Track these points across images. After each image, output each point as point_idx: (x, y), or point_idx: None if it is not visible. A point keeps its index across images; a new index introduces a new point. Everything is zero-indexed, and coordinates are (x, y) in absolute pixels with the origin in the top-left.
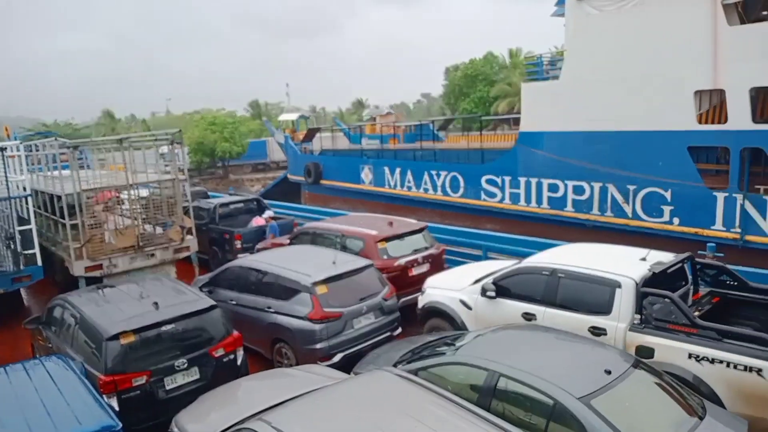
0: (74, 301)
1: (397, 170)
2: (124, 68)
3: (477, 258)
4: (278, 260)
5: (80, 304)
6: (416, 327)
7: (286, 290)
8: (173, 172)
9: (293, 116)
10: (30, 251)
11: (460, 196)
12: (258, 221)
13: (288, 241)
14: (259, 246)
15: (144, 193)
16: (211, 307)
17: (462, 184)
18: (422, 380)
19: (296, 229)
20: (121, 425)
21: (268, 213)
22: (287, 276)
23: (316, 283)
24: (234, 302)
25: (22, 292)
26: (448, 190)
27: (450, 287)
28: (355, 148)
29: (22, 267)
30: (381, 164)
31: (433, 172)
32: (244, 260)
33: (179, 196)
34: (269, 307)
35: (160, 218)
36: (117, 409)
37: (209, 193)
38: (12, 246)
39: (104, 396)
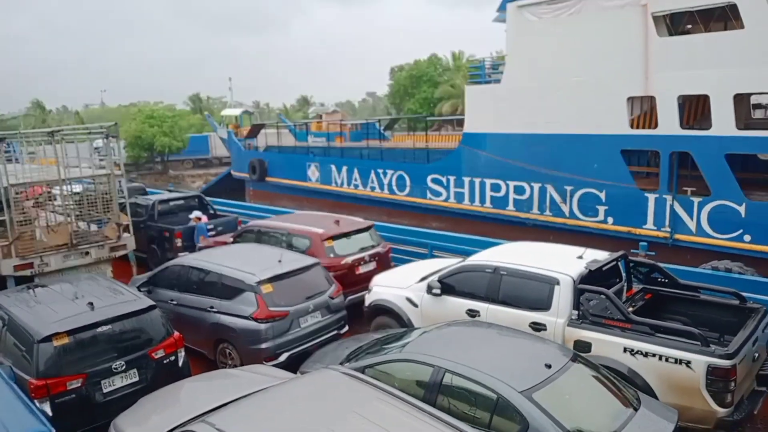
0: (2, 301)
1: (344, 168)
2: (55, 58)
3: (423, 256)
4: (221, 259)
5: (9, 304)
6: (363, 325)
7: (229, 289)
8: (109, 167)
9: (236, 111)
10: None
11: (407, 195)
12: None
13: (231, 240)
14: (200, 245)
15: (78, 188)
16: (150, 308)
17: (408, 183)
18: (369, 378)
19: (240, 227)
20: (53, 431)
21: (196, 213)
22: (231, 275)
23: (261, 282)
24: (174, 302)
25: None
26: (395, 188)
27: (396, 285)
28: (302, 145)
29: None
30: (328, 162)
31: (380, 171)
32: (185, 259)
33: (115, 192)
34: (212, 307)
35: (94, 215)
36: (50, 414)
37: (147, 190)
38: None
39: (35, 401)
